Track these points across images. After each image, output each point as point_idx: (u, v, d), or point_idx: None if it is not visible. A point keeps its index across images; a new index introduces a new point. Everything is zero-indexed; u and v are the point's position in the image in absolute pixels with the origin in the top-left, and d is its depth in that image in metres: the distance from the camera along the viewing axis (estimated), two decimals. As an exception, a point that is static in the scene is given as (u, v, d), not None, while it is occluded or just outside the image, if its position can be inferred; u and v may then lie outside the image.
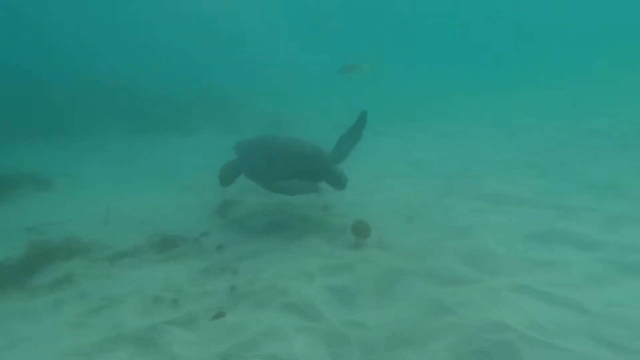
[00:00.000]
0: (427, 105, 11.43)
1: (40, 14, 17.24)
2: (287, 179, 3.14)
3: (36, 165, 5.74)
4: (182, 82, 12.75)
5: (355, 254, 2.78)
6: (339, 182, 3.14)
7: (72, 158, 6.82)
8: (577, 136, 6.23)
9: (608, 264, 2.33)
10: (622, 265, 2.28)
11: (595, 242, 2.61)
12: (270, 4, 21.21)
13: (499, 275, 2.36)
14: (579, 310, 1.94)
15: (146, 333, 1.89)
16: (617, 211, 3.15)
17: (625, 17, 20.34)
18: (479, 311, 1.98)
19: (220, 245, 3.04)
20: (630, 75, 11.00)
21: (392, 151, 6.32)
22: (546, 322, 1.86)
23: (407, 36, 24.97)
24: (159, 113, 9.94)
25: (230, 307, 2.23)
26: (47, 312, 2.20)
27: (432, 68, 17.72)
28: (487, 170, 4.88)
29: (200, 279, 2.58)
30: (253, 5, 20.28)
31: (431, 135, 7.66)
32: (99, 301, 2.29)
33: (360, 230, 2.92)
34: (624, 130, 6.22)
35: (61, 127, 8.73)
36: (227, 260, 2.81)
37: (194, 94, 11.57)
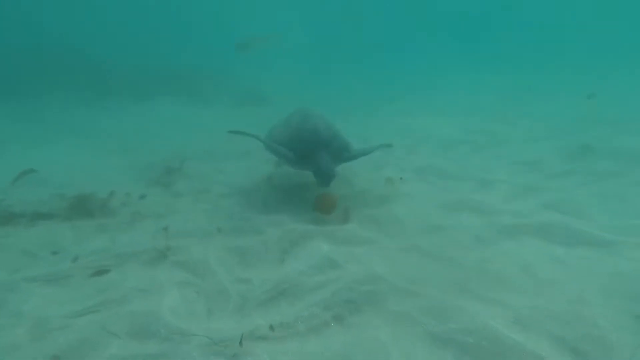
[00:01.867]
0: (410, 85, 11.55)
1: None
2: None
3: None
4: (150, 51, 11.85)
5: (267, 219, 2.79)
6: (319, 175, 2.70)
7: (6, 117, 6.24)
8: (528, 119, 6.55)
9: (495, 228, 2.50)
10: (506, 229, 2.46)
11: (493, 210, 2.79)
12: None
13: (396, 237, 2.47)
14: (453, 266, 2.07)
15: (-2, 289, 1.79)
16: (526, 183, 3.39)
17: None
18: (362, 267, 2.07)
19: (131, 206, 2.93)
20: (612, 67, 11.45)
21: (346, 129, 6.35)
22: (419, 275, 1.98)
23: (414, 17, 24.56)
24: (115, 79, 9.30)
25: (117, 264, 2.17)
26: None
27: (433, 49, 17.75)
28: (428, 147, 5.04)
29: (95, 237, 2.47)
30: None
31: (395, 113, 7.77)
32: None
33: (323, 206, 2.66)
34: (571, 116, 6.62)
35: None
36: (131, 221, 2.72)
37: (160, 63, 10.84)
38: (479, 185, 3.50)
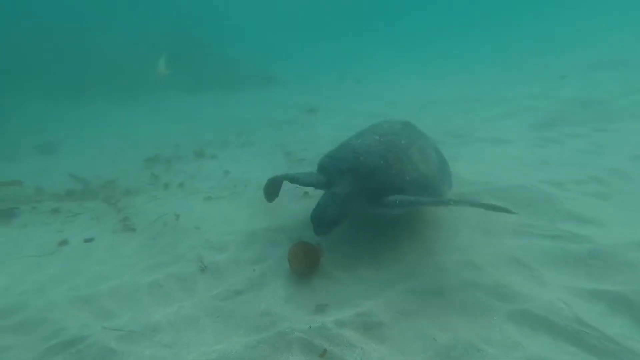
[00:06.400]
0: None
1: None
2: None
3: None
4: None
5: (596, 232, 1.72)
6: (312, 215, 1.71)
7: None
8: None
9: None
10: None
11: None
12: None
13: None
14: None
15: (317, 338, 1.23)
16: None
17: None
18: None
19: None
20: None
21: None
22: None
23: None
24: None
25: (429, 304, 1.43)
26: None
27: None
28: None
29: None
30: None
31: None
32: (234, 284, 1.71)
33: (302, 260, 1.69)
34: None
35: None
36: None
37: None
38: None
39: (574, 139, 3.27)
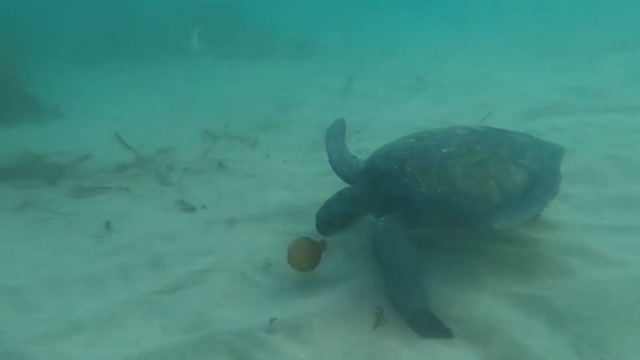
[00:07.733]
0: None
1: None
2: None
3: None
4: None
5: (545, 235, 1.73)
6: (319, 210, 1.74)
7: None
8: None
9: None
10: None
11: None
12: None
13: None
14: None
15: (242, 342, 1.28)
16: None
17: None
18: None
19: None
20: None
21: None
22: None
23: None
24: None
25: None
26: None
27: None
28: None
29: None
30: None
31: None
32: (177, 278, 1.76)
33: (294, 258, 1.61)
34: None
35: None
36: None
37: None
38: None
39: (555, 132, 3.18)
